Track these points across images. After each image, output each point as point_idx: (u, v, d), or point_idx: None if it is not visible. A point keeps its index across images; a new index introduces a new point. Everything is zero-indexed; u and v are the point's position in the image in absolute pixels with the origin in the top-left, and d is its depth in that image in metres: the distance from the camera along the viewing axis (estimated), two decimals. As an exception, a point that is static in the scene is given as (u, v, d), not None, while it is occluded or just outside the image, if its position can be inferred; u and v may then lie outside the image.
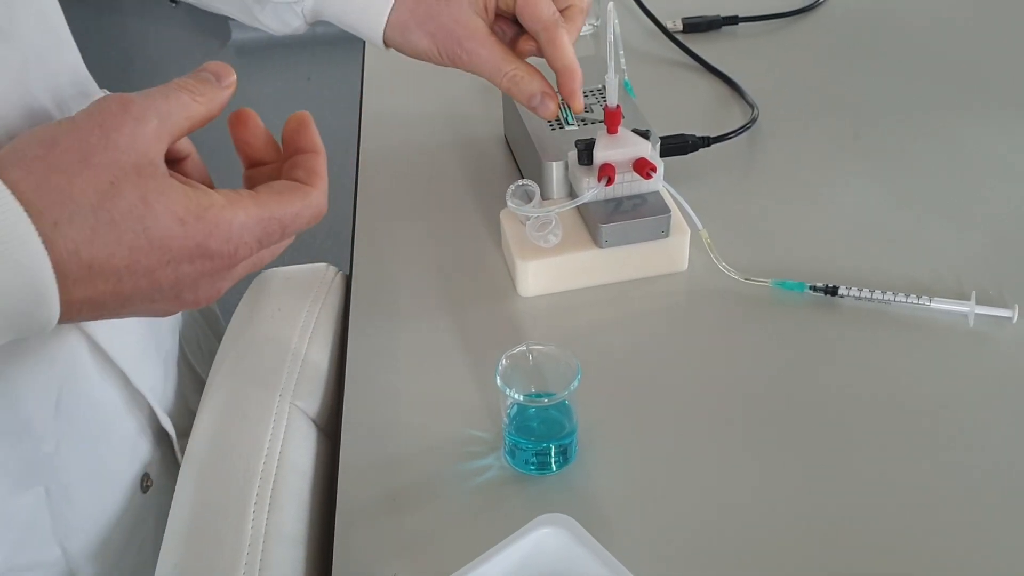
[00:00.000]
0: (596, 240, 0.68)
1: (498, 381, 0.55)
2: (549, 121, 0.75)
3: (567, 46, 0.64)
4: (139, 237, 0.41)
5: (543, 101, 0.65)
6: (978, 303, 0.65)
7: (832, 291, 0.67)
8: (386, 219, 0.78)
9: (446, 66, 0.67)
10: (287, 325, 0.66)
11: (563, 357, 0.56)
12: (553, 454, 0.57)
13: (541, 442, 0.57)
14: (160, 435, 0.65)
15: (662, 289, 0.70)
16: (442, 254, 0.74)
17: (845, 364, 0.63)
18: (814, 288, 0.67)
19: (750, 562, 0.52)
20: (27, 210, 0.39)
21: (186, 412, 0.68)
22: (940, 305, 0.65)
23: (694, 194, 0.69)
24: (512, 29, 0.68)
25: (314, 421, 0.62)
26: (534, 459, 0.57)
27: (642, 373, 0.64)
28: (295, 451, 0.58)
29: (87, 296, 0.41)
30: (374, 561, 0.53)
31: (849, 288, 0.66)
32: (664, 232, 0.68)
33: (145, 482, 0.63)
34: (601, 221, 0.67)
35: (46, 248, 0.39)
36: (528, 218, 0.67)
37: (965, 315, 0.65)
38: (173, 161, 0.49)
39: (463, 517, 0.55)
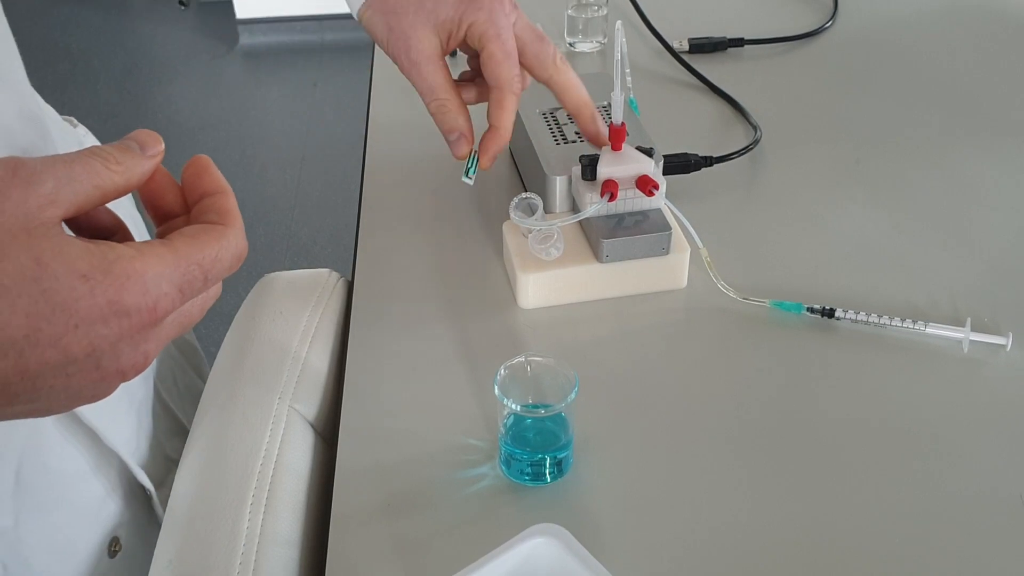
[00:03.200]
0: (597, 255, 0.68)
1: (496, 391, 0.55)
2: (554, 136, 0.76)
3: (509, 113, 0.65)
4: (37, 302, 0.36)
5: (458, 141, 0.66)
6: (973, 330, 0.65)
7: (829, 313, 0.67)
8: (389, 226, 0.79)
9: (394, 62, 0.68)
10: (288, 329, 0.67)
11: (561, 369, 0.57)
12: (548, 465, 0.58)
13: (537, 453, 0.57)
14: (132, 492, 0.63)
15: (661, 306, 0.70)
16: (444, 263, 0.75)
17: (840, 386, 0.64)
18: (811, 310, 0.68)
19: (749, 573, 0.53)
20: None
21: (163, 460, 0.66)
22: (935, 331, 0.66)
23: (695, 213, 0.70)
24: (477, 69, 0.69)
25: (312, 425, 0.63)
26: (529, 469, 0.58)
27: (639, 388, 0.64)
28: (292, 454, 0.59)
29: None
30: (367, 565, 0.54)
31: (846, 311, 0.67)
32: (664, 249, 0.68)
33: (113, 547, 0.61)
34: (603, 236, 0.67)
35: None
36: (530, 231, 0.68)
37: (959, 341, 0.66)
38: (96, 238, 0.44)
39: (457, 525, 0.56)
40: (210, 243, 0.41)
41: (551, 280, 0.69)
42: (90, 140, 0.73)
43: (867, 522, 0.55)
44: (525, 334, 0.68)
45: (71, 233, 0.39)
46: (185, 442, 0.65)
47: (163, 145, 0.43)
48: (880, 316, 0.67)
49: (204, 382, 0.65)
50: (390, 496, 0.57)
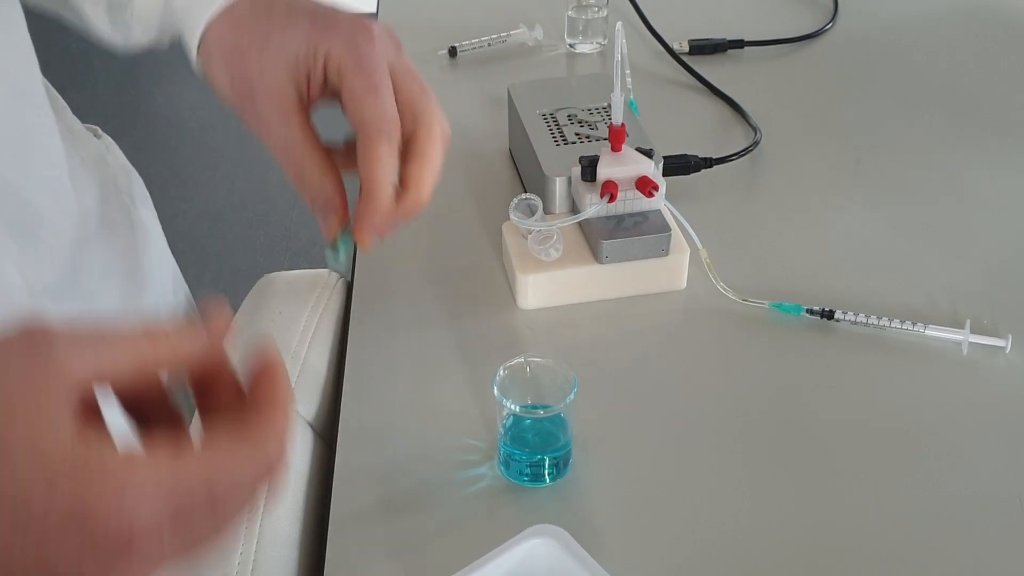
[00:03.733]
0: (597, 256, 0.68)
1: (495, 391, 0.55)
2: (554, 138, 0.76)
3: (381, 163, 0.49)
4: None
5: (325, 212, 0.52)
6: (972, 332, 0.65)
7: (828, 315, 0.67)
8: (389, 228, 0.78)
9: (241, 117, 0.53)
10: (287, 329, 0.67)
11: (560, 370, 0.57)
12: (547, 466, 0.58)
13: (536, 453, 0.57)
14: None
15: (660, 307, 0.70)
16: (444, 264, 0.75)
17: (839, 387, 0.64)
18: (811, 311, 0.68)
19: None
20: None
21: None
22: (935, 332, 0.66)
23: (695, 214, 0.70)
24: None
25: (311, 425, 0.63)
26: (528, 470, 0.58)
27: (638, 388, 0.64)
28: (291, 454, 0.59)
29: None
30: (366, 565, 0.54)
31: (845, 312, 0.67)
32: (664, 250, 0.68)
33: None
34: (602, 237, 0.67)
35: None
36: (530, 231, 0.68)
37: (959, 343, 0.66)
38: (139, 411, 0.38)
39: (456, 525, 0.56)
40: (227, 455, 0.34)
41: (550, 281, 0.69)
42: (115, 151, 0.72)
43: (866, 522, 0.55)
44: (524, 335, 0.68)
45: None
46: None
47: (228, 324, 0.38)
48: (880, 318, 0.67)
49: None
50: (389, 496, 0.57)
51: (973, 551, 0.54)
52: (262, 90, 0.51)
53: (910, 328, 0.66)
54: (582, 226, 0.71)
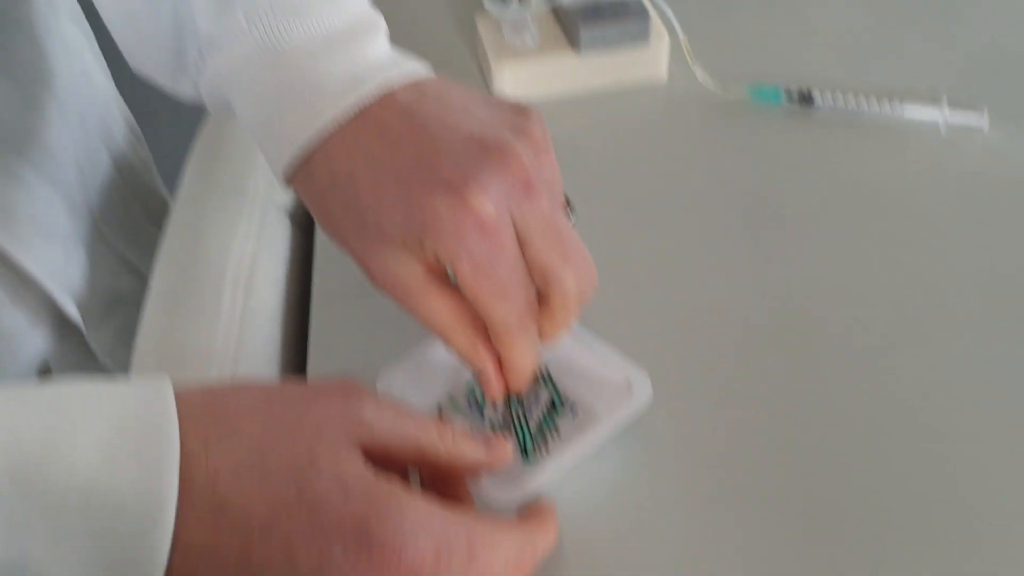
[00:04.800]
0: (574, 44, 0.67)
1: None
2: None
3: (515, 352, 0.43)
4: (288, 493, 0.34)
5: (485, 380, 0.45)
6: (950, 109, 0.65)
7: (807, 99, 0.67)
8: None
9: None
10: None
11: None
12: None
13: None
14: (62, 327, 0.60)
15: (640, 100, 0.69)
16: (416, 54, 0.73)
17: (819, 174, 0.64)
18: (788, 94, 0.67)
19: (728, 354, 0.53)
20: (180, 412, 0.34)
21: (103, 297, 0.63)
22: (913, 114, 0.66)
23: (674, 1, 0.69)
24: None
25: (288, 214, 0.62)
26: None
27: (618, 179, 0.64)
28: (270, 239, 0.59)
29: (207, 545, 0.33)
30: (349, 338, 0.54)
31: (824, 96, 0.67)
32: (643, 37, 0.67)
33: (44, 375, 0.59)
34: (580, 22, 0.66)
35: (182, 460, 0.33)
36: (506, 20, 0.66)
37: (937, 125, 0.66)
38: None
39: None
40: (492, 525, 0.37)
41: (527, 70, 0.67)
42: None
43: (843, 292, 0.56)
44: (502, 127, 0.67)
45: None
46: (138, 281, 0.64)
47: (506, 460, 0.41)
48: (857, 99, 0.66)
49: (159, 230, 0.59)
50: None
51: (944, 320, 0.55)
52: (379, 272, 0.44)
53: (888, 110, 0.66)
54: (560, 15, 0.69)
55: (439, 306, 0.43)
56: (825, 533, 0.44)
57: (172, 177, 0.67)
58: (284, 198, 0.62)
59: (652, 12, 0.67)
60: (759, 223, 0.60)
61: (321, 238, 0.60)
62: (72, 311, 0.59)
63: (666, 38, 0.68)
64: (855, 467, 0.47)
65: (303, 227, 0.64)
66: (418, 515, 0.35)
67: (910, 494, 0.46)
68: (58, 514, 0.32)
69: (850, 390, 0.50)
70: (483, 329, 0.43)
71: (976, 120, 0.65)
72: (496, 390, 0.45)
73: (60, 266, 0.59)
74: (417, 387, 0.49)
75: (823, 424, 0.49)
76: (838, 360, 0.52)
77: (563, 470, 0.45)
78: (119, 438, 0.33)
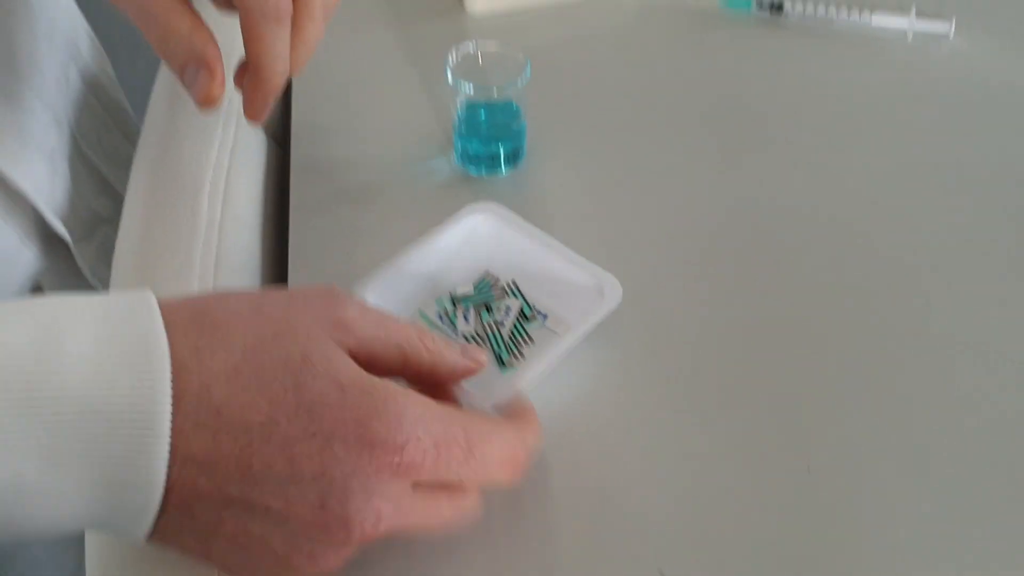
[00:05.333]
0: (545, -48, 0.67)
1: (448, 76, 0.55)
2: None
3: (266, 44, 0.44)
4: (286, 391, 0.33)
5: (196, 76, 0.44)
6: (917, 16, 0.66)
7: (777, 7, 0.67)
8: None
9: None
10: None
11: (511, 55, 0.57)
12: (502, 155, 0.58)
13: (491, 142, 0.58)
14: (50, 243, 0.59)
15: (612, 8, 0.70)
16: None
17: (788, 81, 0.65)
18: (759, 1, 0.67)
19: (697, 259, 0.55)
20: (167, 323, 0.34)
21: (86, 215, 0.63)
22: (881, 23, 0.66)
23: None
24: None
25: (263, 127, 0.62)
26: (483, 160, 0.58)
27: (591, 87, 0.64)
28: (245, 150, 0.59)
29: (206, 454, 0.33)
30: (327, 248, 0.55)
31: (794, 3, 0.67)
32: (614, -55, 0.67)
33: (35, 293, 0.59)
34: (551, -69, 0.65)
35: (173, 370, 0.33)
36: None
37: (904, 32, 0.66)
38: None
39: (412, 212, 0.57)
40: (486, 422, 0.38)
41: (499, -19, 0.67)
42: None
43: (813, 195, 0.57)
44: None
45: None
46: (117, 202, 0.64)
47: (483, 364, 0.41)
48: (828, 7, 0.67)
49: (134, 148, 0.60)
50: (346, 188, 0.58)
51: (912, 217, 0.56)
52: None
53: (857, 18, 0.66)
54: (529, -76, 0.69)
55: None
56: (791, 426, 0.46)
57: (139, 103, 0.67)
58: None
59: (623, -81, 0.67)
60: (729, 129, 0.61)
61: (298, 151, 0.60)
62: (59, 228, 0.59)
63: (637, -54, 0.68)
64: (824, 360, 0.48)
65: (278, 140, 0.64)
66: (416, 411, 0.35)
67: (890, 397, 0.47)
68: (52, 432, 0.31)
69: (820, 288, 0.52)
70: (204, 28, 0.44)
71: (943, 27, 0.66)
72: (208, 85, 0.44)
73: (46, 182, 0.58)
74: (388, 301, 0.49)
75: (788, 321, 0.50)
76: (808, 260, 0.53)
77: (540, 375, 0.46)
78: (108, 348, 0.32)
